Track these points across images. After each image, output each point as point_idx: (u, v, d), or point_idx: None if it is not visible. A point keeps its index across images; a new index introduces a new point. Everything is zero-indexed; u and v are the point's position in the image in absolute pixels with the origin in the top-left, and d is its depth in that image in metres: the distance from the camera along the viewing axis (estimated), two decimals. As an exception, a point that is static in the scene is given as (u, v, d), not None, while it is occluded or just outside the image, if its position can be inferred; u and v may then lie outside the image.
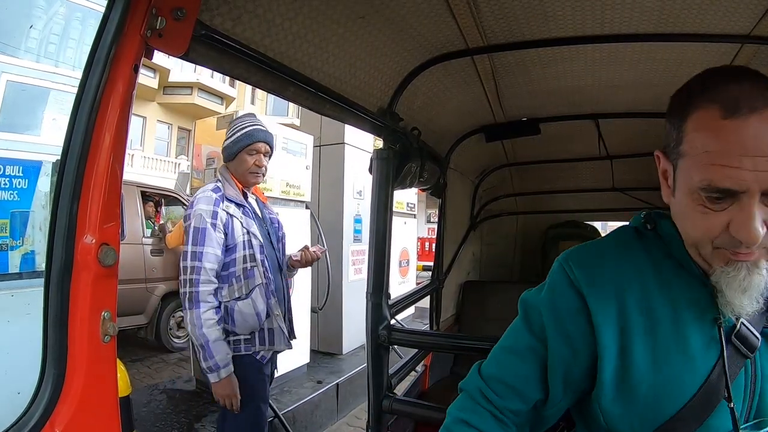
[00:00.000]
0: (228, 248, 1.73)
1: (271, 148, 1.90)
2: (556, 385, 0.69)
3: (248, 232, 1.77)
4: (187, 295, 1.64)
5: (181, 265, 1.67)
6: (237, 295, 1.73)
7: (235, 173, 1.84)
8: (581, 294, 0.65)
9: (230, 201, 1.76)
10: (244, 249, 1.74)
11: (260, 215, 1.91)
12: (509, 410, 0.71)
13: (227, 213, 1.73)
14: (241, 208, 1.79)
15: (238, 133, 1.83)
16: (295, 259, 1.99)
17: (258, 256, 1.77)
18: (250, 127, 1.84)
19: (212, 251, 1.67)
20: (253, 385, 1.77)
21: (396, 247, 5.55)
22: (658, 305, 0.62)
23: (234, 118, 1.84)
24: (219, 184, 1.78)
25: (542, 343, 0.70)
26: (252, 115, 1.97)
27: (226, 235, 1.72)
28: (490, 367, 0.75)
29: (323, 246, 2.35)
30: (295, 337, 1.97)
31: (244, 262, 1.74)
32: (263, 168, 1.87)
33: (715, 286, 0.59)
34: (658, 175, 0.68)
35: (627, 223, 0.75)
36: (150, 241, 4.75)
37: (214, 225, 1.68)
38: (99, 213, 0.60)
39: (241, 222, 1.76)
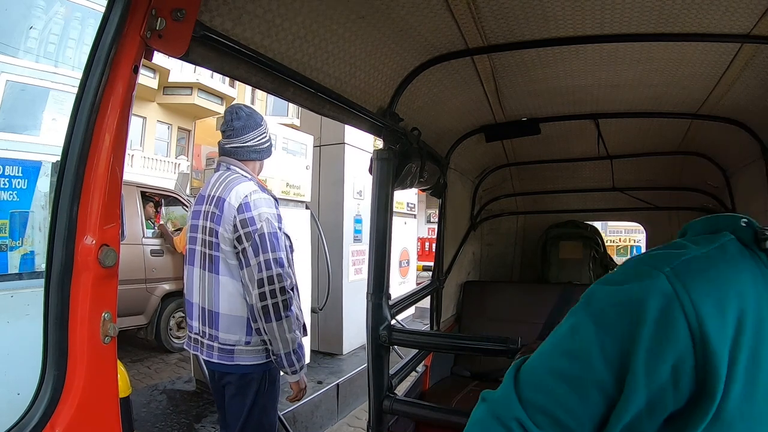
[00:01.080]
0: None
1: None
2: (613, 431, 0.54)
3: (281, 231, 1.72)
4: (280, 305, 1.53)
5: (265, 275, 1.52)
6: None
7: (258, 170, 1.80)
8: (697, 331, 0.48)
9: (276, 200, 1.71)
10: (286, 250, 1.70)
11: None
12: None
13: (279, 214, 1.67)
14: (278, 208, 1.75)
15: (269, 132, 1.81)
16: None
17: (290, 255, 1.74)
18: None
19: (286, 255, 1.60)
20: (279, 382, 1.76)
21: (396, 247, 5.55)
22: (765, 339, 0.49)
23: (239, 111, 1.73)
24: (254, 183, 1.67)
25: (617, 381, 0.51)
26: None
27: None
28: (535, 392, 0.56)
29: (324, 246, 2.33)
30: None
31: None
32: None
33: None
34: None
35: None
36: (150, 241, 4.75)
37: (280, 228, 1.62)
38: (99, 214, 0.60)
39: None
